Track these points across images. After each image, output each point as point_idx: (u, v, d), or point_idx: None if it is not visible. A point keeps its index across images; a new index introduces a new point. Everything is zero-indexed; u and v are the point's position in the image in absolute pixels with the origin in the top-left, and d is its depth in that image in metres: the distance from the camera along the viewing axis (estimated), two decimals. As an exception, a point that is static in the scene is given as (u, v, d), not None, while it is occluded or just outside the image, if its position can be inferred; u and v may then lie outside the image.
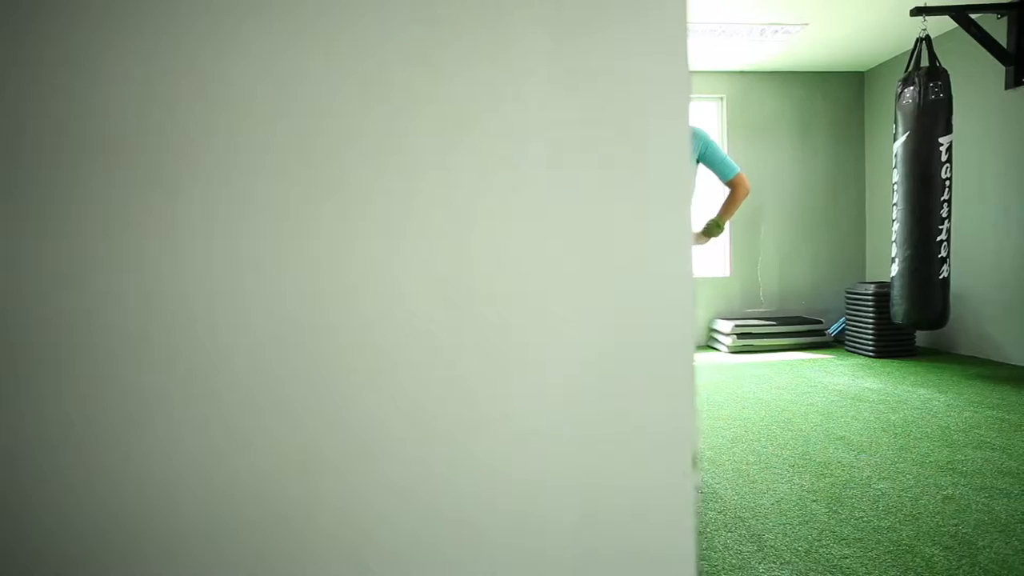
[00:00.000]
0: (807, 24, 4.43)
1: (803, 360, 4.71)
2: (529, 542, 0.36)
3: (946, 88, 3.86)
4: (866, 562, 1.63)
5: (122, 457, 0.33)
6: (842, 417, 3.06)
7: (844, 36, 4.74)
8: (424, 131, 0.34)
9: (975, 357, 4.51)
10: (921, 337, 5.01)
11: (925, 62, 3.98)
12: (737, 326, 5.15)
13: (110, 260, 0.33)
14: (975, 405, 3.19)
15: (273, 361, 0.34)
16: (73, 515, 0.33)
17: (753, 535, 1.81)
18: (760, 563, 1.65)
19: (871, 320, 4.71)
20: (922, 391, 3.57)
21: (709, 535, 1.82)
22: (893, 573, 1.57)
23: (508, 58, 0.35)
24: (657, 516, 0.37)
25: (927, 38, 3.94)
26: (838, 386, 3.78)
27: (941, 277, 3.93)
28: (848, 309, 5.04)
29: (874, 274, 5.64)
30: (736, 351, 5.12)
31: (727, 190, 2.30)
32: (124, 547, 0.33)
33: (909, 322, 4.03)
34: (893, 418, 3.02)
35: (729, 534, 1.82)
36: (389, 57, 0.33)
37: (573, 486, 0.37)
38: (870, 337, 4.72)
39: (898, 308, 4.07)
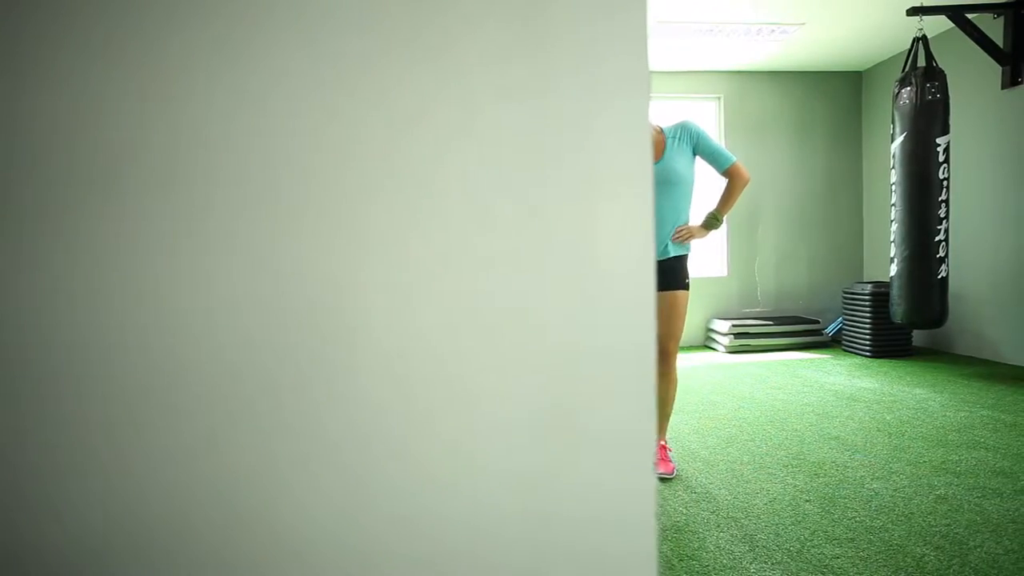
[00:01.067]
0: (804, 24, 4.43)
1: (800, 360, 4.72)
2: (485, 542, 0.36)
3: (943, 88, 3.85)
4: (857, 562, 1.63)
5: (88, 456, 0.33)
6: (837, 417, 3.06)
7: (841, 36, 4.74)
8: (373, 136, 0.34)
9: (972, 357, 4.51)
10: (918, 337, 5.01)
11: (922, 62, 3.97)
12: (734, 326, 5.15)
13: (76, 259, 0.33)
14: (970, 405, 3.19)
15: (240, 368, 0.34)
16: (40, 514, 0.33)
17: (745, 535, 1.81)
18: (751, 563, 1.65)
19: (868, 320, 4.71)
20: (918, 391, 3.57)
21: (701, 535, 1.82)
22: (883, 573, 1.58)
23: (458, 57, 0.35)
24: (617, 517, 0.37)
25: (924, 38, 3.94)
26: (834, 386, 3.78)
27: (939, 277, 3.93)
28: (845, 309, 5.04)
29: (872, 274, 5.65)
30: (733, 351, 5.12)
31: (724, 181, 2.29)
32: (93, 545, 0.33)
33: (908, 322, 4.03)
34: (888, 418, 3.02)
35: (721, 534, 1.82)
36: (343, 63, 0.33)
37: (531, 487, 0.37)
38: (867, 337, 4.72)
39: (897, 308, 4.08)
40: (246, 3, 0.33)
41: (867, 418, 3.03)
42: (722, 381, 4.02)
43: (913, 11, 3.93)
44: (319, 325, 0.34)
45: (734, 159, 2.24)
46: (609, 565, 0.37)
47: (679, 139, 2.22)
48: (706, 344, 5.56)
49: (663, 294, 2.30)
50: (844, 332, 5.06)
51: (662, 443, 2.41)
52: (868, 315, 4.71)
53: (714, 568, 1.63)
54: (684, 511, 1.99)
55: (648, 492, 0.37)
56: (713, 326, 5.43)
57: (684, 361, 4.83)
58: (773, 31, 4.54)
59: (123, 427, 0.33)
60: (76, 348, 0.33)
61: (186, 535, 0.34)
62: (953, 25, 4.16)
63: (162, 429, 0.33)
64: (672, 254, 2.29)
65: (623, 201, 0.36)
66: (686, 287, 2.31)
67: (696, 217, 2.37)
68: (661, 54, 5.03)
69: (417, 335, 0.35)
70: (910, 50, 3.99)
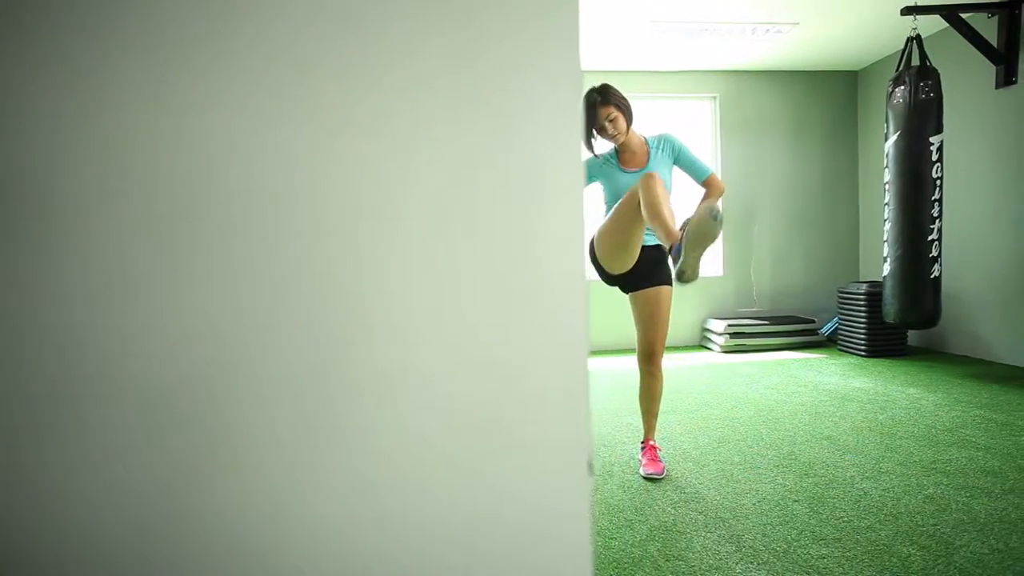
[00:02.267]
0: (798, 23, 4.43)
1: (795, 360, 4.72)
2: (420, 547, 0.36)
3: (937, 87, 3.85)
4: (843, 562, 1.63)
5: (12, 458, 0.33)
6: (830, 417, 3.06)
7: (836, 35, 4.74)
8: (302, 140, 0.34)
9: (967, 356, 4.51)
10: (913, 336, 5.01)
11: (916, 61, 3.97)
12: (730, 325, 5.15)
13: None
14: (963, 404, 3.19)
15: (164, 372, 0.34)
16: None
17: (733, 535, 1.81)
18: (737, 564, 1.65)
19: (863, 319, 4.71)
20: (912, 390, 3.57)
21: (689, 536, 1.82)
22: (869, 573, 1.58)
23: (403, 68, 0.35)
24: (552, 521, 0.37)
25: (918, 37, 3.94)
26: (828, 386, 3.78)
27: (932, 276, 3.93)
28: (841, 309, 5.04)
29: (867, 273, 5.65)
30: (729, 351, 5.12)
31: (702, 191, 2.43)
32: (11, 545, 0.33)
33: (901, 321, 4.03)
34: (881, 418, 3.02)
35: (709, 535, 1.82)
36: (281, 68, 0.33)
37: (466, 491, 0.37)
38: (862, 336, 4.72)
39: (890, 307, 4.08)
40: (191, 8, 0.33)
41: (860, 418, 3.03)
42: (716, 381, 4.02)
43: (907, 11, 3.93)
44: (241, 323, 0.34)
45: (711, 170, 2.37)
46: (544, 569, 0.37)
47: (661, 149, 2.31)
48: (701, 344, 5.56)
49: (645, 291, 2.29)
50: (840, 332, 5.06)
51: (652, 443, 2.41)
52: (863, 315, 4.71)
53: (700, 568, 1.63)
54: (672, 511, 1.99)
55: (583, 496, 0.37)
56: (709, 326, 5.43)
57: (679, 361, 4.83)
58: (768, 30, 4.54)
59: (14, 432, 0.33)
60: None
61: (71, 535, 0.34)
62: (947, 25, 4.16)
63: (50, 433, 0.33)
64: (651, 242, 2.27)
65: (556, 208, 0.36)
66: (671, 282, 2.27)
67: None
68: (655, 54, 5.03)
69: (350, 337, 0.35)
70: (904, 49, 3.99)
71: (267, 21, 0.34)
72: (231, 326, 0.35)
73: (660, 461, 2.36)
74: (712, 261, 5.69)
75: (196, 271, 0.34)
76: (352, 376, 0.36)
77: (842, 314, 5.02)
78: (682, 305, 5.55)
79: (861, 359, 4.63)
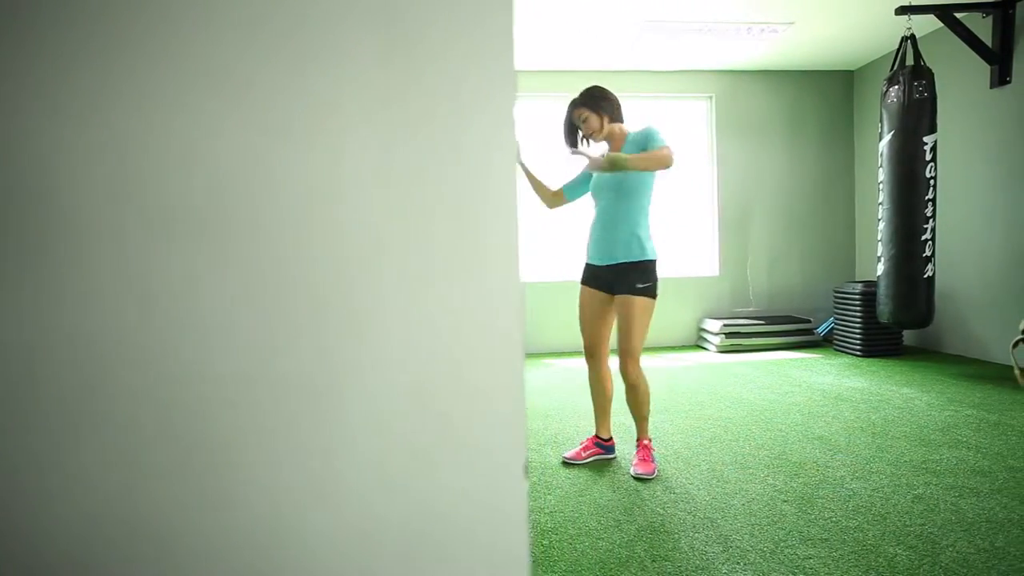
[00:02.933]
0: (793, 23, 4.42)
1: (791, 359, 4.72)
2: (357, 547, 0.36)
3: (930, 87, 3.85)
4: (829, 562, 1.63)
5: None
6: (823, 417, 3.06)
7: (832, 35, 4.74)
8: (234, 143, 0.34)
9: (962, 356, 4.51)
10: (908, 336, 5.01)
11: (911, 61, 3.97)
12: (725, 325, 5.15)
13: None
14: (956, 404, 3.19)
15: (98, 375, 0.34)
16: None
17: (720, 536, 1.81)
18: (724, 564, 1.65)
19: (859, 319, 4.71)
20: (905, 390, 3.57)
21: (676, 536, 1.82)
22: (855, 573, 1.58)
23: (335, 67, 0.35)
24: (489, 523, 0.37)
25: (912, 37, 3.94)
26: (822, 386, 3.78)
27: (926, 276, 3.93)
28: (836, 309, 5.04)
29: (864, 273, 5.64)
30: (724, 351, 5.12)
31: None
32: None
33: (894, 321, 4.03)
34: (873, 418, 3.02)
35: (696, 535, 1.82)
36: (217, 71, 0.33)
37: (401, 492, 0.37)
38: (858, 336, 4.72)
39: (884, 307, 4.08)
40: (113, 9, 0.33)
41: (853, 418, 3.03)
42: (711, 381, 4.02)
43: (901, 10, 3.93)
44: (184, 322, 0.34)
45: (665, 143, 2.19)
46: (481, 570, 0.37)
47: (638, 139, 2.27)
48: (698, 344, 5.56)
49: (616, 298, 2.32)
50: (835, 332, 5.06)
51: (645, 442, 2.41)
52: (859, 315, 4.71)
53: (686, 569, 1.63)
54: (661, 511, 1.99)
55: (519, 497, 0.37)
56: (705, 326, 5.43)
57: (674, 361, 4.83)
58: (763, 30, 4.53)
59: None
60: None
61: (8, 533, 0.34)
62: (942, 24, 4.15)
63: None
64: (621, 260, 2.28)
65: (492, 209, 0.36)
66: (641, 292, 2.25)
67: (655, 227, 2.36)
68: (651, 53, 5.03)
69: (289, 337, 0.35)
70: (898, 49, 3.99)
71: (201, 29, 0.34)
72: (192, 327, 0.35)
73: (652, 461, 2.36)
74: (708, 261, 5.69)
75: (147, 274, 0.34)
76: (305, 372, 0.36)
77: (838, 314, 5.02)
78: (678, 305, 5.55)
79: (856, 359, 4.63)
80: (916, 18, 4.18)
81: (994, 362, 4.22)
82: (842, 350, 4.94)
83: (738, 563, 1.65)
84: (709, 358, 4.91)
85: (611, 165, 2.11)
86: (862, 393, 3.54)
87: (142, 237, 0.34)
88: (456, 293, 0.36)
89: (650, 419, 2.48)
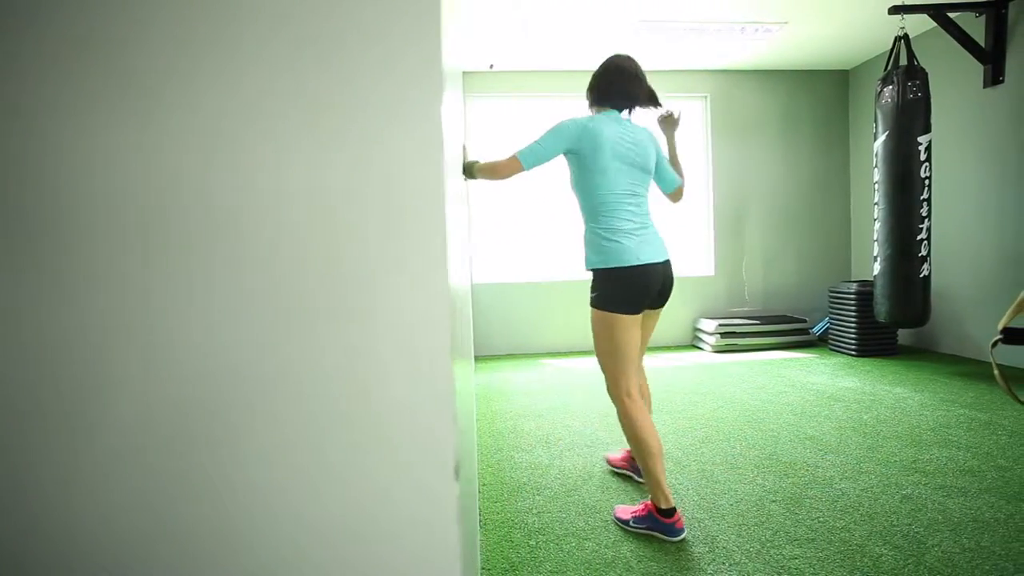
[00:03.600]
0: (786, 23, 4.42)
1: (785, 359, 4.71)
2: (288, 547, 0.36)
3: (924, 87, 3.85)
4: (814, 563, 1.63)
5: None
6: (815, 417, 3.06)
7: (826, 35, 4.74)
8: (181, 146, 0.34)
9: (956, 355, 4.51)
10: (903, 336, 5.01)
11: (904, 61, 3.97)
12: (720, 325, 5.15)
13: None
14: (948, 404, 3.19)
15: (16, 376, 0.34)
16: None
17: (707, 537, 1.81)
18: (709, 564, 1.65)
19: (854, 319, 4.71)
20: (898, 390, 3.57)
21: (663, 538, 1.82)
22: (840, 573, 1.58)
23: (262, 72, 0.35)
24: (419, 523, 0.37)
25: (905, 37, 3.94)
26: (816, 385, 3.78)
27: (922, 276, 3.93)
28: (831, 308, 5.04)
29: (859, 273, 5.64)
30: (720, 351, 5.12)
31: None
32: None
33: (891, 321, 4.03)
34: (865, 417, 3.02)
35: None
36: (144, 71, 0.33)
37: (330, 493, 0.37)
38: (852, 336, 4.72)
39: (880, 307, 4.08)
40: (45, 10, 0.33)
41: (845, 418, 3.03)
42: (704, 381, 4.02)
43: (894, 10, 3.93)
44: (98, 321, 0.34)
45: (518, 149, 1.91)
46: (413, 569, 0.37)
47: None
48: (693, 344, 5.56)
49: None
50: (830, 331, 5.06)
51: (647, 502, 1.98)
52: (854, 314, 4.71)
53: (671, 570, 1.63)
54: (649, 512, 1.99)
55: (450, 498, 0.37)
56: (700, 326, 5.43)
57: (669, 361, 4.83)
58: (756, 30, 4.53)
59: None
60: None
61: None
62: (935, 24, 4.15)
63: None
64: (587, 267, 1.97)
65: (419, 212, 0.36)
66: (592, 304, 1.91)
67: (606, 231, 1.89)
68: (646, 53, 5.03)
69: (210, 335, 0.35)
70: (892, 49, 3.99)
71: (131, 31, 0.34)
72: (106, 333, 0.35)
73: (631, 513, 1.92)
74: (703, 260, 5.68)
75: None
76: (234, 373, 0.36)
77: (833, 314, 5.02)
78: (673, 305, 5.55)
79: (851, 359, 4.63)
80: (909, 18, 4.18)
81: (988, 361, 4.22)
82: (837, 350, 4.93)
83: (723, 563, 1.65)
84: (704, 358, 4.91)
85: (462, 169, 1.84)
86: (855, 393, 3.54)
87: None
88: (382, 295, 0.36)
89: (654, 478, 1.85)
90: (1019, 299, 1.11)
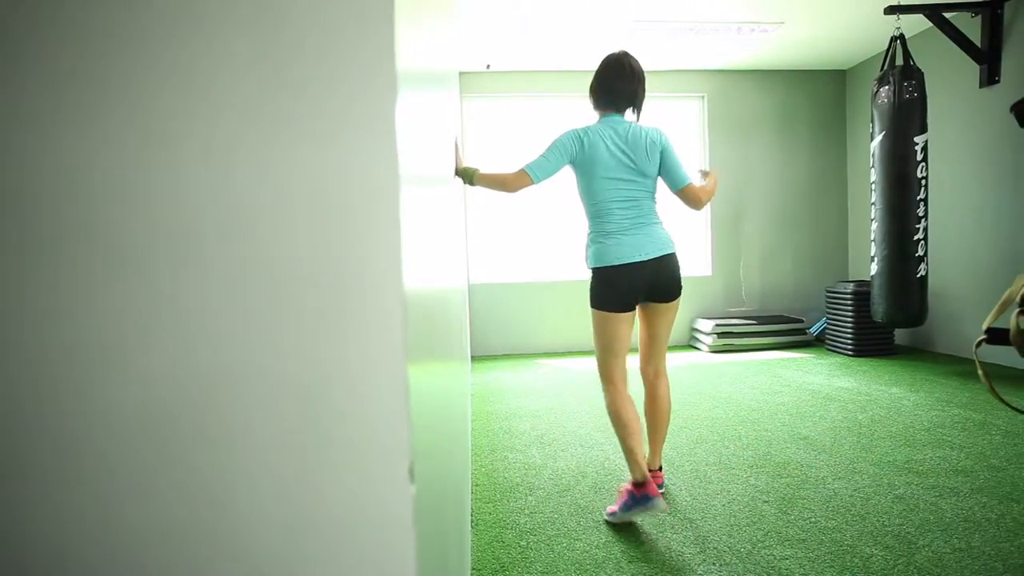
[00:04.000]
0: (783, 23, 4.42)
1: (782, 359, 4.71)
2: (240, 550, 0.36)
3: (920, 87, 3.86)
4: (805, 563, 1.63)
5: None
6: (810, 417, 3.06)
7: (823, 35, 4.74)
8: (121, 144, 0.34)
9: (952, 355, 4.51)
10: (900, 336, 5.01)
11: (900, 61, 3.97)
12: (717, 325, 5.15)
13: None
14: (943, 404, 3.19)
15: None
16: None
17: (699, 537, 1.81)
18: (700, 565, 1.65)
19: (851, 319, 4.71)
20: (894, 390, 3.57)
21: (654, 537, 1.82)
22: (830, 573, 1.57)
23: (208, 69, 0.35)
24: (373, 527, 0.37)
25: (901, 37, 3.95)
26: (812, 385, 3.77)
27: (919, 275, 3.94)
28: (828, 308, 5.04)
29: (856, 273, 5.64)
30: (716, 351, 5.12)
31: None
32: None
33: (888, 321, 4.04)
34: (860, 417, 3.02)
35: (674, 536, 1.82)
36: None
37: (282, 496, 0.37)
38: (849, 336, 4.72)
39: (878, 307, 4.08)
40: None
41: (840, 418, 3.02)
42: (700, 381, 4.02)
43: (890, 10, 3.93)
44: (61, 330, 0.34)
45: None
46: (365, 567, 0.37)
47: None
48: (690, 344, 5.56)
49: None
50: (827, 331, 5.06)
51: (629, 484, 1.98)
52: (850, 314, 4.71)
53: (661, 570, 1.63)
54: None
55: (405, 501, 0.37)
56: (697, 326, 5.43)
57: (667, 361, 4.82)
58: (753, 30, 4.53)
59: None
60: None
61: None
62: (931, 24, 4.15)
63: None
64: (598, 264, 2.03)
65: (372, 212, 0.36)
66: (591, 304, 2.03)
67: (596, 233, 2.01)
68: (642, 53, 5.02)
69: (165, 335, 0.35)
70: (888, 49, 4.00)
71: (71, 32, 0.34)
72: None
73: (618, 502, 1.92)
74: (701, 261, 5.68)
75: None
76: (179, 377, 0.36)
77: (830, 314, 5.02)
78: (671, 305, 5.55)
79: (848, 359, 4.63)
80: (906, 18, 4.18)
81: (984, 361, 4.22)
82: (834, 350, 4.93)
83: (714, 564, 1.65)
84: (701, 358, 4.91)
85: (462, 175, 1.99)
86: (851, 393, 3.54)
87: None
88: (333, 296, 0.36)
89: (631, 451, 1.94)
90: (1003, 299, 1.11)
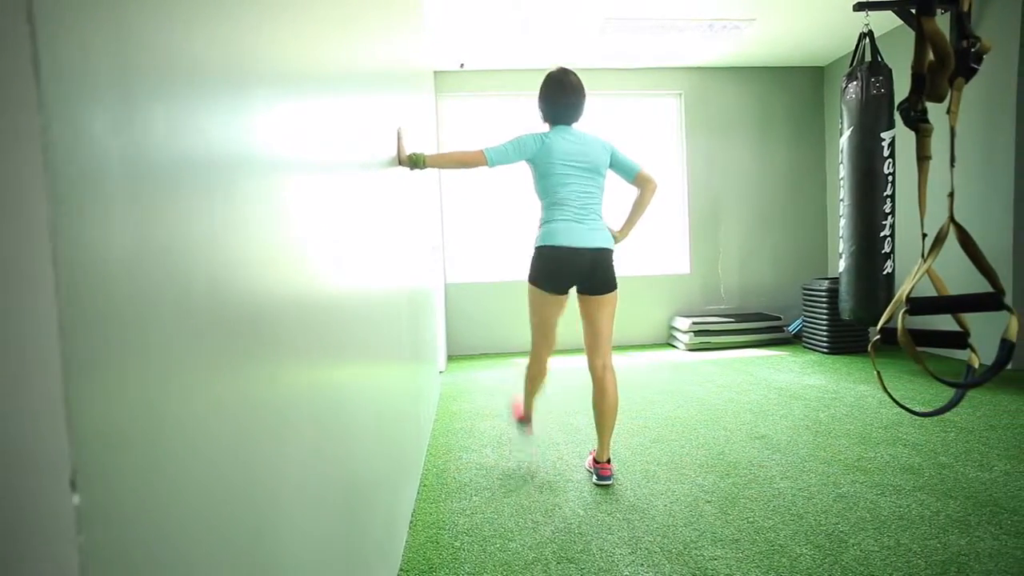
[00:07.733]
0: (754, 19, 4.41)
1: (757, 357, 4.70)
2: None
3: (888, 83, 3.84)
4: (732, 564, 1.62)
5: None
6: (772, 415, 3.05)
7: (799, 31, 4.73)
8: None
9: (925, 352, 4.50)
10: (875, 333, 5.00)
11: (869, 57, 3.96)
12: (694, 323, 5.13)
13: None
14: (907, 402, 3.18)
15: None
16: None
17: (632, 537, 1.80)
18: (628, 567, 1.64)
19: (825, 316, 4.70)
20: (861, 388, 3.56)
21: (588, 538, 1.81)
22: (755, 574, 1.56)
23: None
24: (30, 537, 0.36)
25: (870, 33, 3.93)
26: (780, 383, 3.77)
27: (885, 273, 3.92)
28: (805, 305, 5.03)
29: (835, 270, 5.63)
30: (693, 349, 5.11)
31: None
32: None
33: (855, 318, 4.02)
34: (822, 416, 3.01)
35: (609, 537, 1.81)
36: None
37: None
38: (824, 333, 4.71)
39: (845, 304, 4.06)
40: None
41: (801, 416, 3.02)
42: (672, 380, 4.01)
43: (859, 7, 3.91)
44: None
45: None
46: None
47: None
48: (668, 342, 5.55)
49: None
50: (804, 329, 5.05)
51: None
52: (825, 311, 4.70)
53: (589, 571, 1.62)
54: (582, 512, 1.98)
55: (64, 507, 0.36)
56: (675, 324, 5.42)
57: (641, 359, 4.81)
58: (725, 27, 4.52)
59: None
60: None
61: None
62: (902, 21, 4.13)
63: None
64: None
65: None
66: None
67: (544, 215, 2.24)
68: (615, 51, 5.01)
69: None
70: (857, 45, 3.98)
71: None
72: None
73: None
74: (679, 258, 5.67)
75: None
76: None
77: (806, 311, 5.01)
78: (648, 303, 5.54)
79: (821, 356, 4.62)
80: (878, 15, 4.16)
81: (955, 358, 4.22)
82: (809, 347, 4.93)
83: (642, 565, 1.64)
84: (677, 356, 4.90)
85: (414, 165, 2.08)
86: (818, 391, 3.53)
87: None
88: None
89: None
90: (897, 296, 1.10)
